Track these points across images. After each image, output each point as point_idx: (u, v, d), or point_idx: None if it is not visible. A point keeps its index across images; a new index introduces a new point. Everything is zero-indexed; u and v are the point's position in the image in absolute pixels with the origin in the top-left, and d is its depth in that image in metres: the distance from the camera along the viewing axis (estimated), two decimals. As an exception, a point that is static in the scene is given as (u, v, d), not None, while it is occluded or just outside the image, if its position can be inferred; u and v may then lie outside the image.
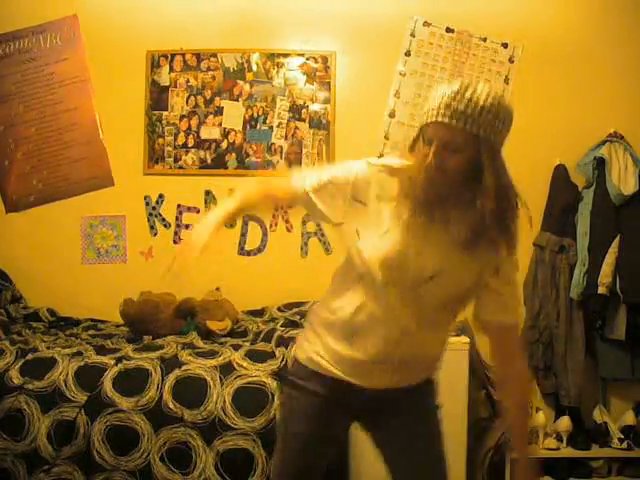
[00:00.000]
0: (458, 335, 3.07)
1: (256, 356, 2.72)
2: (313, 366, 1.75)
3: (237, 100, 3.59)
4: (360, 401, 1.75)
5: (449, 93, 1.51)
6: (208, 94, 3.59)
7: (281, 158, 3.58)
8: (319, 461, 1.85)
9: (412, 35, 3.55)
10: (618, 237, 3.26)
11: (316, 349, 1.75)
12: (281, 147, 3.58)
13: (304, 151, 3.58)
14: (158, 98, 3.61)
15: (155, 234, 3.62)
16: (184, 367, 2.64)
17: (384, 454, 1.82)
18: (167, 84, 3.60)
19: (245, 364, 2.65)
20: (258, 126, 3.58)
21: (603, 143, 3.36)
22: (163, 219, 3.61)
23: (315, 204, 1.74)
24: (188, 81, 3.60)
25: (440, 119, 1.51)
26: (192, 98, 3.60)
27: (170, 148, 3.61)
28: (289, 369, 1.90)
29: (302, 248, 3.58)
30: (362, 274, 1.67)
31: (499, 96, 1.52)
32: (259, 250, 3.60)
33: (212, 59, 3.59)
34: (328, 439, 1.83)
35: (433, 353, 1.79)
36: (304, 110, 3.58)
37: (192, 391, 2.56)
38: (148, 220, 3.62)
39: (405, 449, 1.77)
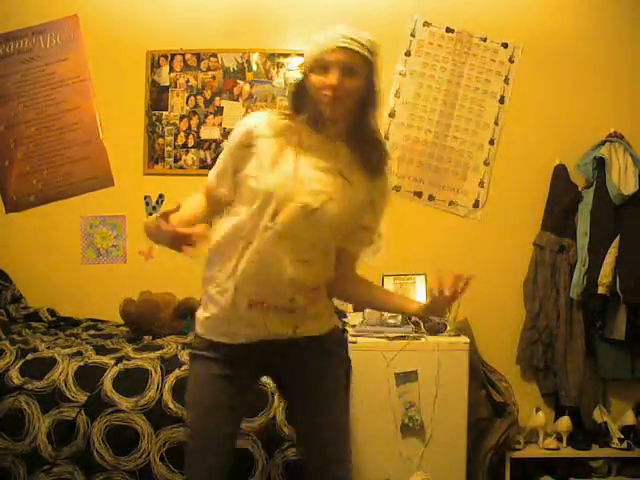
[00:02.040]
0: (458, 335, 3.07)
1: (256, 356, 2.71)
2: (208, 335, 1.77)
3: (237, 100, 3.59)
4: (263, 353, 1.76)
5: (338, 31, 1.64)
6: (208, 94, 3.59)
7: (281, 158, 3.58)
8: (226, 429, 1.81)
9: (412, 35, 3.55)
10: (618, 237, 3.26)
11: (207, 316, 1.77)
12: (281, 147, 3.58)
13: (304, 151, 3.58)
14: (158, 98, 3.61)
15: (155, 234, 3.61)
16: (184, 367, 2.62)
17: (290, 408, 1.90)
18: (167, 84, 3.60)
19: (245, 364, 2.65)
20: (258, 126, 3.58)
21: (603, 143, 3.36)
22: (163, 219, 3.61)
23: (220, 192, 1.77)
24: (188, 81, 3.60)
25: (339, 44, 1.62)
26: (192, 98, 3.60)
27: (170, 148, 3.61)
28: (192, 343, 1.89)
29: (302, 248, 3.57)
30: (253, 211, 1.68)
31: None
32: (259, 250, 3.59)
33: (212, 59, 3.59)
34: (232, 405, 1.79)
35: (313, 284, 1.75)
36: (304, 110, 3.58)
37: (192, 391, 2.56)
38: (148, 220, 3.61)
39: (305, 404, 1.82)
